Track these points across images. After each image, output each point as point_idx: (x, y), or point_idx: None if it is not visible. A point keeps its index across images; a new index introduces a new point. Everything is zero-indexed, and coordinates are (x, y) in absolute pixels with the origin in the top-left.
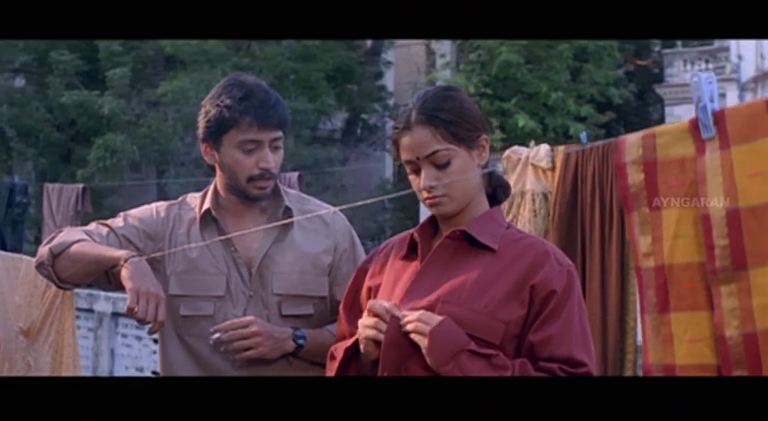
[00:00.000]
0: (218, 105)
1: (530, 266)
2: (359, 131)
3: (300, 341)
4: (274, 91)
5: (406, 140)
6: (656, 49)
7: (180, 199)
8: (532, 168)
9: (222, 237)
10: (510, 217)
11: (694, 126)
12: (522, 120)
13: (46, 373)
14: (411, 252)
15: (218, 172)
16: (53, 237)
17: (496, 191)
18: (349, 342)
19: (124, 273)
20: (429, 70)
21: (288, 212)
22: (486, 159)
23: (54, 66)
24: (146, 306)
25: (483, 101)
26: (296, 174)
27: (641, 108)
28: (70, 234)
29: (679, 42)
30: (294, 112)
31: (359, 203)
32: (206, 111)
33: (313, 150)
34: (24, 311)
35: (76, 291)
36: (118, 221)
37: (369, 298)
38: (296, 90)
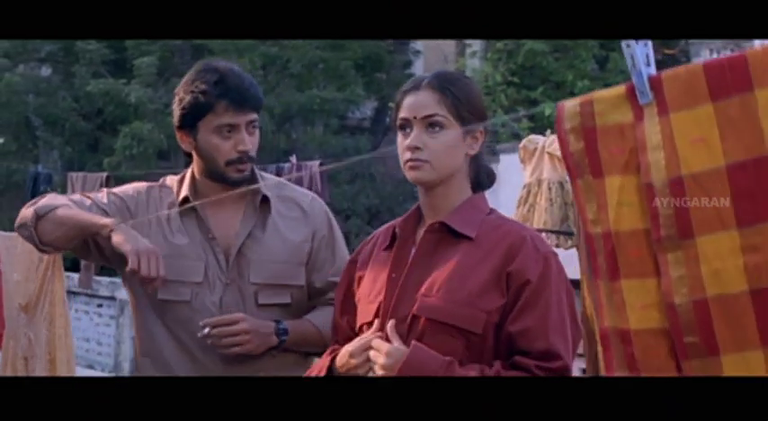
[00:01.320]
0: (192, 91)
1: (506, 253)
2: (388, 120)
3: (283, 336)
4: (247, 73)
5: (409, 99)
6: None
7: (160, 181)
8: (549, 157)
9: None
10: (527, 206)
11: (631, 92)
12: (549, 109)
13: (43, 346)
14: (393, 243)
15: (196, 158)
16: (37, 201)
17: (480, 178)
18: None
19: (117, 238)
20: (457, 59)
21: (265, 200)
22: (475, 151)
23: (80, 55)
24: (147, 264)
25: (510, 90)
26: (317, 162)
27: None
28: (56, 199)
29: None
30: (322, 101)
31: (332, 166)
32: (180, 98)
33: (341, 139)
34: (22, 287)
35: (97, 278)
36: (101, 196)
37: (357, 288)
38: (324, 79)
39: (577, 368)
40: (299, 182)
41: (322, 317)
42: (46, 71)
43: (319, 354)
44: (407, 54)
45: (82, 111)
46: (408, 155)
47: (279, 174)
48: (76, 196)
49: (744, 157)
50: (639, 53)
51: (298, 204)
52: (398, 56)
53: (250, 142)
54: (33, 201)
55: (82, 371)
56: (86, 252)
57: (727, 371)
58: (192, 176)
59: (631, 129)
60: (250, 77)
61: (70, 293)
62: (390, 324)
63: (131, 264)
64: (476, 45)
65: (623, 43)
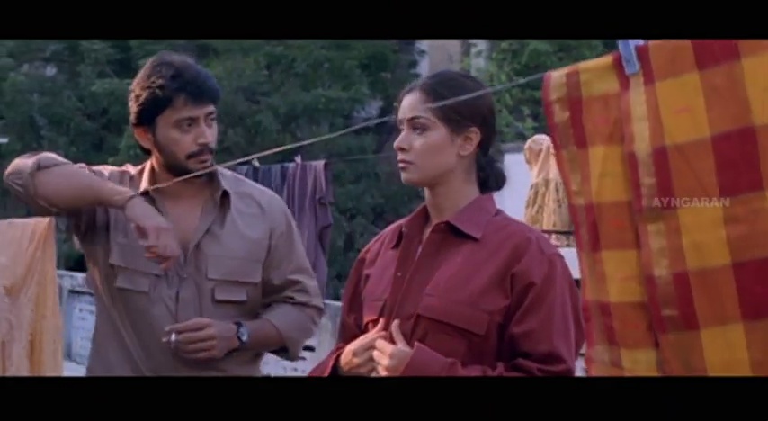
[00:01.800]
0: (149, 87)
1: (511, 254)
2: (393, 120)
3: (244, 338)
4: (202, 67)
5: (404, 101)
6: None
7: (126, 170)
8: (554, 157)
9: None
10: (536, 207)
11: (618, 62)
12: None
13: (25, 328)
14: (400, 242)
15: (155, 153)
16: (33, 155)
17: (488, 179)
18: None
19: (137, 210)
20: (462, 59)
21: (226, 196)
22: (469, 151)
23: (85, 54)
24: (165, 242)
25: (514, 89)
26: (322, 162)
27: None
28: (57, 157)
29: None
30: (328, 101)
31: (307, 141)
32: (136, 95)
33: (346, 139)
34: (9, 271)
35: None
36: (84, 170)
37: (365, 286)
38: (329, 79)
39: (581, 368)
40: (303, 179)
41: (281, 317)
42: (51, 71)
43: (276, 352)
44: (413, 54)
45: (87, 110)
46: (398, 155)
47: (284, 173)
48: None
49: (729, 128)
50: None
51: (255, 201)
52: (404, 55)
53: (210, 134)
54: (30, 153)
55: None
56: (67, 218)
57: (706, 346)
58: (152, 170)
59: (616, 100)
60: (205, 70)
61: (75, 293)
62: (395, 324)
63: (151, 240)
64: (480, 45)
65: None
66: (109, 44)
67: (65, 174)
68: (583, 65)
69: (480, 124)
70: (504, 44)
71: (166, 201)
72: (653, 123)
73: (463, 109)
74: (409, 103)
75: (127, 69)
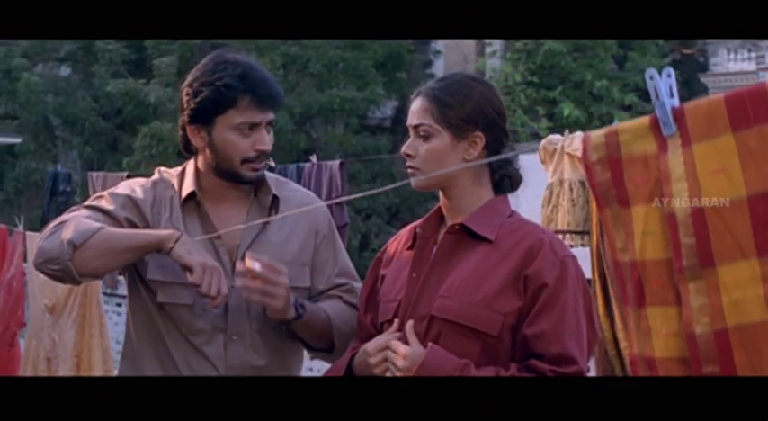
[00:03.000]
0: (213, 84)
1: (525, 255)
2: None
3: (300, 310)
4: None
5: (411, 107)
6: None
7: (157, 176)
8: (568, 157)
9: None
10: (550, 207)
11: (655, 123)
12: (568, 109)
13: (68, 348)
14: (415, 243)
15: (206, 154)
16: (51, 233)
17: (502, 181)
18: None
19: (182, 250)
20: (477, 59)
21: (275, 200)
22: (474, 156)
23: (100, 55)
24: (210, 280)
25: (529, 89)
26: (337, 162)
27: (687, 97)
28: (80, 222)
29: None
30: (343, 101)
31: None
32: (195, 91)
33: (361, 139)
34: (49, 288)
35: (118, 278)
36: (105, 204)
37: (381, 286)
38: (345, 79)
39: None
40: (318, 179)
41: (331, 307)
42: (65, 71)
43: (319, 353)
44: (428, 54)
45: (101, 110)
46: (406, 161)
47: (299, 173)
48: (85, 212)
49: (763, 188)
50: (663, 85)
51: (299, 203)
52: (419, 55)
53: (269, 141)
54: (45, 234)
55: None
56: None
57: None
58: (197, 171)
59: (655, 160)
60: (269, 74)
61: None
62: (409, 324)
63: (195, 278)
64: (495, 45)
65: (647, 75)
66: (123, 44)
67: (104, 245)
68: (621, 126)
69: (485, 128)
70: (519, 44)
71: (208, 203)
72: (691, 184)
73: (466, 114)
74: (412, 110)
75: (141, 70)
